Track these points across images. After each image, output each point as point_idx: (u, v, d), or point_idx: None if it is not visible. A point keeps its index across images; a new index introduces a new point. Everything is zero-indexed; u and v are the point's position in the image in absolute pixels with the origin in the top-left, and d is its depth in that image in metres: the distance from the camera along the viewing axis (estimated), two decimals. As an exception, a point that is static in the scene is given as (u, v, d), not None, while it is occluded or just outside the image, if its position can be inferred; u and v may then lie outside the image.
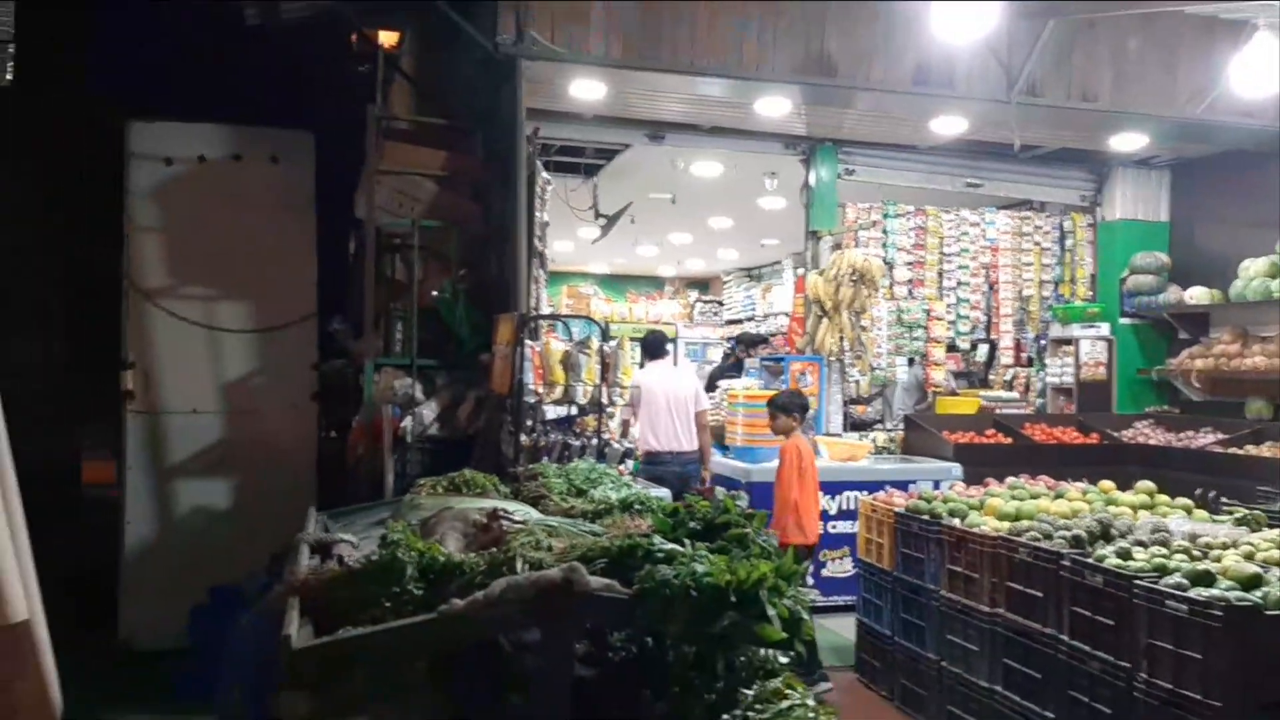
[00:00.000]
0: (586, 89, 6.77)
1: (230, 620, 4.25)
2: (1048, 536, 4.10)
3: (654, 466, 6.61)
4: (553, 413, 5.64)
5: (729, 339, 12.88)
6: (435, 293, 5.81)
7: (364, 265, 5.64)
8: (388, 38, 6.45)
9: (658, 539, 2.34)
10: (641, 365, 7.44)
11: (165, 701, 3.78)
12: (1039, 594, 3.99)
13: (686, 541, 2.42)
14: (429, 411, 5.37)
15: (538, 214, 6.53)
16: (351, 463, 5.34)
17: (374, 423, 5.24)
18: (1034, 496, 4.90)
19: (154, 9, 6.55)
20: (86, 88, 6.78)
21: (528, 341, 5.27)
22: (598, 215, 9.52)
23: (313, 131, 6.27)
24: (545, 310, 7.03)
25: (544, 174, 7.04)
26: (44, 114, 6.03)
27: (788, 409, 5.66)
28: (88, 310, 6.77)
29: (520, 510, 3.00)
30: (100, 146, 6.21)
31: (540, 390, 5.41)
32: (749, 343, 10.00)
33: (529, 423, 5.31)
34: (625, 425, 7.23)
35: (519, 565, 2.32)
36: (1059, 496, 4.93)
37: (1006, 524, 4.46)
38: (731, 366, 9.67)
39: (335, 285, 6.35)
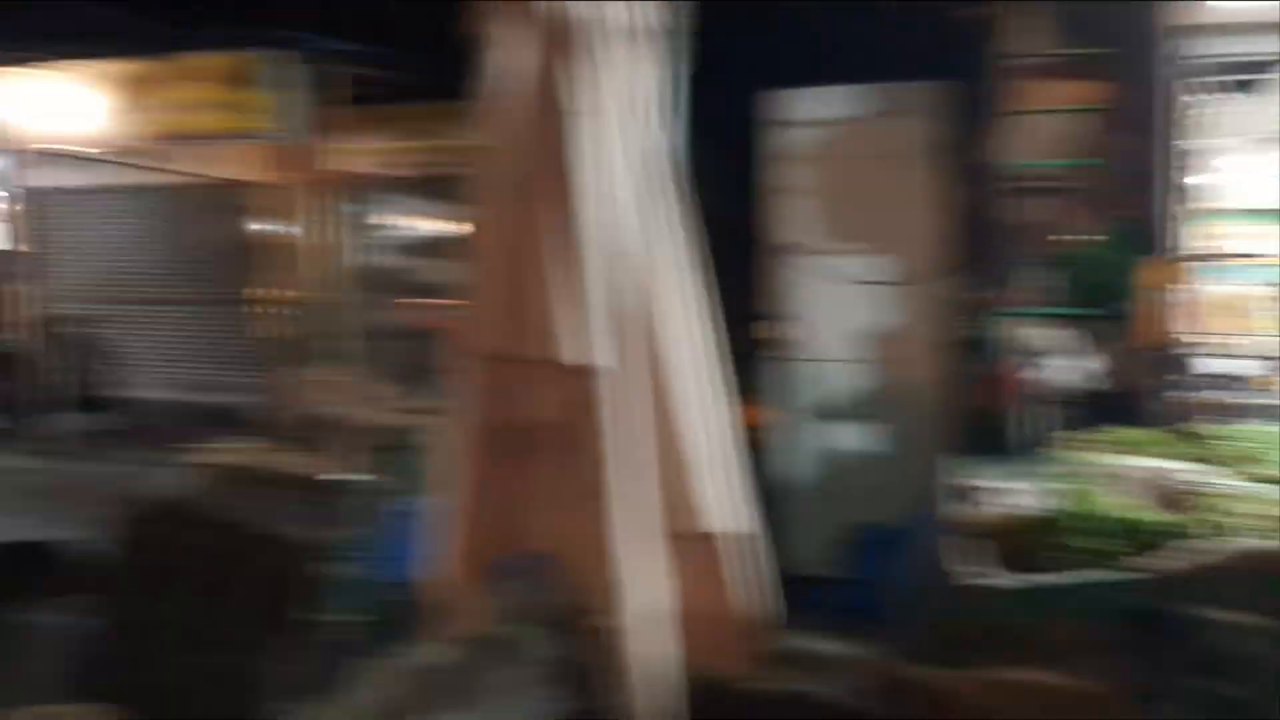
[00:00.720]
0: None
1: (884, 554, 4.53)
2: None
3: None
4: (1215, 366, 5.04)
5: None
6: (1075, 237, 5.46)
7: (998, 212, 5.50)
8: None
9: None
10: None
11: (824, 622, 4.15)
12: None
13: None
14: (1070, 363, 5.10)
15: (1191, 142, 5.79)
16: (986, 413, 5.28)
17: (1010, 374, 5.13)
18: None
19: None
20: (731, 63, 7.49)
21: (1183, 287, 4.77)
22: (1267, 140, 8.11)
23: (940, 79, 6.22)
24: (1204, 251, 6.25)
25: (1199, 95, 6.18)
26: (710, 91, 6.83)
27: None
28: (732, 265, 7.57)
29: (1205, 474, 2.72)
30: (739, 115, 6.82)
31: (1200, 341, 4.91)
32: None
33: (1186, 377, 4.84)
34: None
35: (1223, 533, 2.08)
36: None
37: None
38: None
39: (970, 235, 6.27)
